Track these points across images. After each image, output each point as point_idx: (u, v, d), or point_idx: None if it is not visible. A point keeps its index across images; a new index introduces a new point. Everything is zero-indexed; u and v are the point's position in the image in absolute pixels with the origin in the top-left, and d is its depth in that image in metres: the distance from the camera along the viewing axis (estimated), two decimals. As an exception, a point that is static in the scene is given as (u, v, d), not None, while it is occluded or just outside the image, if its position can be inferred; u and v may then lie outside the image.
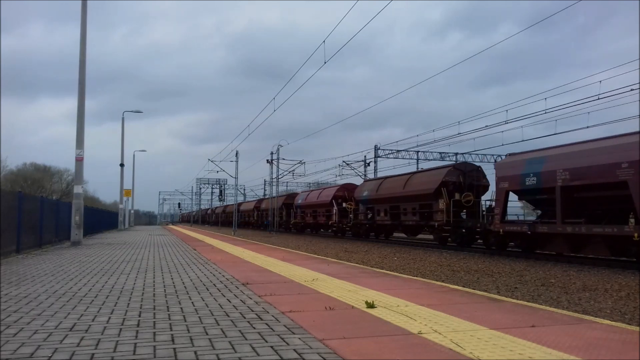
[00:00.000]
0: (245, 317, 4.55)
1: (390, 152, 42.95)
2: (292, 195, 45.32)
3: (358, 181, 37.55)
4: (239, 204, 66.03)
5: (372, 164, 43.78)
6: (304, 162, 46.07)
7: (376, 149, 42.89)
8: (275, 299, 5.57)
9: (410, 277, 8.35)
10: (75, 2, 25.91)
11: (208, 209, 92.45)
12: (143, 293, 6.05)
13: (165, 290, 6.32)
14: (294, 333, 3.91)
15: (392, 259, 15.13)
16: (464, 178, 20.55)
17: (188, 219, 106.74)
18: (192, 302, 5.36)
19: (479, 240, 19.60)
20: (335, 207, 32.19)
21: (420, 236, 26.50)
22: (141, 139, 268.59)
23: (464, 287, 7.64)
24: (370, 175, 41.93)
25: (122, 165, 42.02)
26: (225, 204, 77.49)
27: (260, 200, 59.63)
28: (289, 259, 11.29)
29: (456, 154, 43.33)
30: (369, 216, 27.44)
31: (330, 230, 34.69)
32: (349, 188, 32.90)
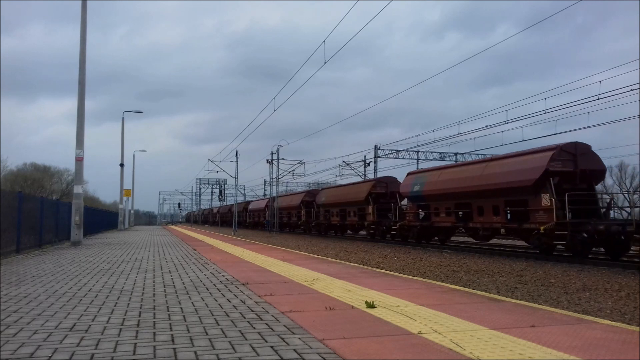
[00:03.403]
0: (245, 317, 4.55)
1: (390, 152, 43.04)
2: (312, 192, 40.14)
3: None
4: (247, 203, 64.67)
5: (372, 164, 43.88)
6: (304, 162, 46.12)
7: (376, 149, 42.97)
8: (275, 299, 5.57)
9: (410, 277, 8.35)
10: (75, 2, 26.02)
11: (212, 208, 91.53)
12: (143, 293, 6.05)
13: (165, 290, 6.32)
14: (294, 333, 3.91)
15: (392, 259, 15.12)
16: (575, 164, 15.27)
17: (190, 219, 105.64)
18: (192, 302, 5.36)
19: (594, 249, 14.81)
20: (372, 205, 27.34)
21: (493, 241, 20.55)
22: (141, 139, 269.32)
23: (464, 287, 7.64)
24: (370, 175, 41.97)
25: (122, 165, 42.14)
26: (227, 203, 76.56)
27: (272, 198, 57.45)
28: (288, 259, 11.29)
29: (456, 154, 43.41)
30: (422, 216, 22.49)
31: (365, 233, 29.56)
32: (389, 181, 28.08)
